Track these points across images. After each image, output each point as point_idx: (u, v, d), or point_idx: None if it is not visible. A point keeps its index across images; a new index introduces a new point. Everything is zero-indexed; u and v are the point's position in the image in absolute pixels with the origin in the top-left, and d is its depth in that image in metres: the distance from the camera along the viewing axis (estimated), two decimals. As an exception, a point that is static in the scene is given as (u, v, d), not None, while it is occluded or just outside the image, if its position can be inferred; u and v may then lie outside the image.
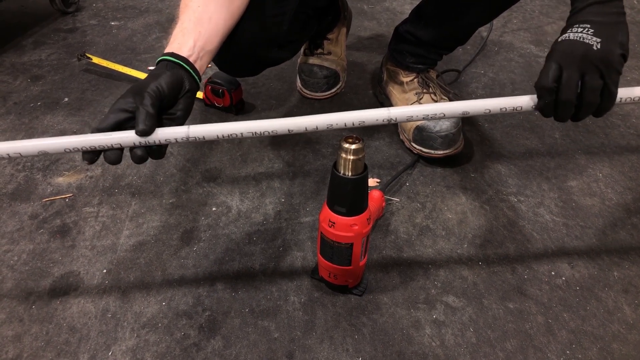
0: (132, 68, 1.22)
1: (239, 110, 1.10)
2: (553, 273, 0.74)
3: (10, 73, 1.27)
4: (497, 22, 1.50)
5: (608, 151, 0.98)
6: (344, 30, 1.19)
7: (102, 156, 0.55)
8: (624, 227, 0.81)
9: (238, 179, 0.92)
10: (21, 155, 0.54)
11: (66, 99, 1.16)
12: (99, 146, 0.53)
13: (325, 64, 1.13)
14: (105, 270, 0.74)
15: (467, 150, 0.98)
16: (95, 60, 1.25)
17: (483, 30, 1.41)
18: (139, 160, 0.55)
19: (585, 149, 0.99)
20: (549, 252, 0.77)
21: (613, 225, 0.81)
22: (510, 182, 0.90)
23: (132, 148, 0.54)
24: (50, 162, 0.95)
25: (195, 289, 0.71)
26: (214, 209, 0.85)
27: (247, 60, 0.81)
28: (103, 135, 0.53)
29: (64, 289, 0.71)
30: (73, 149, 0.54)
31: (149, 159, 0.56)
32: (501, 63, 1.30)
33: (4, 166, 0.94)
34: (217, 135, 0.56)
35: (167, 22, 1.53)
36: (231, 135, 0.56)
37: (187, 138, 0.55)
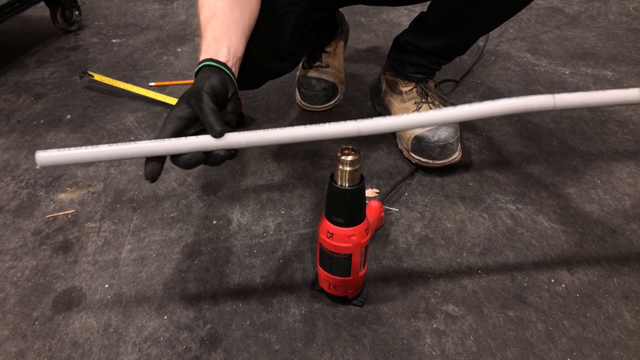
0: (133, 84, 1.24)
1: (239, 123, 1.11)
2: (553, 280, 0.74)
3: (13, 91, 1.29)
4: (493, 31, 1.50)
5: (606, 158, 0.99)
6: (341, 43, 1.20)
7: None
8: (622, 233, 0.81)
9: (238, 191, 0.92)
10: (95, 162, 0.51)
11: (68, 116, 1.18)
12: (179, 151, 0.52)
13: (324, 76, 1.14)
14: (107, 285, 0.75)
15: (466, 159, 0.98)
16: (97, 77, 1.27)
17: (480, 40, 1.41)
18: (221, 161, 0.53)
19: (583, 156, 0.99)
20: (548, 260, 0.77)
21: (612, 232, 0.81)
22: (509, 190, 0.91)
23: (213, 150, 0.52)
24: (53, 178, 0.97)
25: (196, 302, 0.72)
26: (214, 222, 0.86)
27: (250, 72, 0.83)
28: (184, 140, 0.52)
29: (66, 305, 0.72)
30: (150, 154, 0.51)
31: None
32: (498, 72, 1.31)
33: (7, 183, 0.96)
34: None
35: (167, 39, 1.55)
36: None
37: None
